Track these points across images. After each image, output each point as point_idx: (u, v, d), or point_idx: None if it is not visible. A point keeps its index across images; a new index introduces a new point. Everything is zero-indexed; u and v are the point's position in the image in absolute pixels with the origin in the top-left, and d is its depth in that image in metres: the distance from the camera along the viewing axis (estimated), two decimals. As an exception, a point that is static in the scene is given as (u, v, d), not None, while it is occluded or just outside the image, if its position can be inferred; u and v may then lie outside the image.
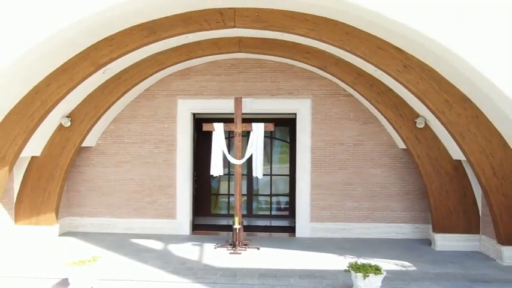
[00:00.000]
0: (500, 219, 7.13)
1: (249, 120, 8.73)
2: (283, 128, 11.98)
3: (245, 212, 11.52)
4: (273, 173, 12.05)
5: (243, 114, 8.44)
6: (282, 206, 12.21)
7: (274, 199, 12.21)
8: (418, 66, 6.86)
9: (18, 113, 7.30)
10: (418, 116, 8.23)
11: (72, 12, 5.91)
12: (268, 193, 12.11)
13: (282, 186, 12.16)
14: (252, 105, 9.06)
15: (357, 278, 5.41)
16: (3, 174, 7.43)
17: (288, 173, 11.77)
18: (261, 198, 12.29)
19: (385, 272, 5.52)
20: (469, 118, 6.88)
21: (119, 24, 6.91)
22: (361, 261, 5.88)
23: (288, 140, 11.88)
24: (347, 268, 5.64)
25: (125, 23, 6.93)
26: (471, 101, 6.81)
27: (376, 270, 5.43)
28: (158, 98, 9.67)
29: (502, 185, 7.02)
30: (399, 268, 6.95)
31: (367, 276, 5.33)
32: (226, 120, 8.78)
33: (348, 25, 6.79)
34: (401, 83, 7.10)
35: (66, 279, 5.85)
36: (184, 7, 6.83)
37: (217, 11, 7.03)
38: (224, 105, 9.26)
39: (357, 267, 5.49)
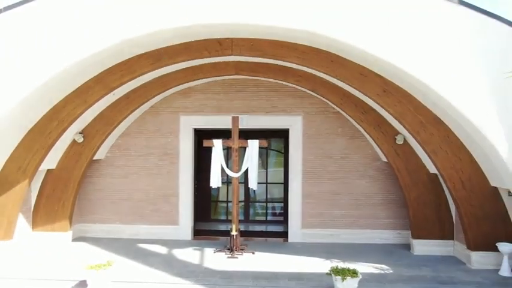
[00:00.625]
0: (468, 227, 7.91)
1: (246, 133, 9.47)
2: (278, 139, 12.80)
3: (242, 218, 12.32)
4: (268, 179, 12.78)
5: (241, 129, 9.23)
6: (277, 212, 12.99)
7: (269, 205, 12.99)
8: (396, 91, 7.67)
9: (38, 131, 8.11)
10: (397, 133, 9.03)
11: (89, 45, 6.80)
12: (264, 200, 12.88)
13: (277, 191, 12.92)
14: (248, 122, 9.95)
15: (337, 280, 6.26)
16: (23, 186, 8.23)
17: (282, 178, 12.53)
18: (257, 204, 13.08)
19: (361, 275, 6.35)
20: (441, 137, 7.67)
21: (129, 53, 7.73)
22: (346, 264, 6.70)
23: (282, 151, 12.69)
24: (328, 272, 6.48)
25: (134, 52, 7.76)
26: (443, 123, 7.61)
27: (353, 273, 6.26)
28: (162, 114, 10.46)
29: (470, 197, 7.78)
30: (378, 271, 7.75)
31: (345, 279, 6.17)
32: (225, 133, 9.55)
33: (333, 54, 7.57)
34: (381, 105, 7.90)
35: (84, 281, 6.68)
36: (186, 38, 7.66)
37: (216, 41, 7.84)
38: (223, 121, 9.98)
39: (336, 271, 6.32)
